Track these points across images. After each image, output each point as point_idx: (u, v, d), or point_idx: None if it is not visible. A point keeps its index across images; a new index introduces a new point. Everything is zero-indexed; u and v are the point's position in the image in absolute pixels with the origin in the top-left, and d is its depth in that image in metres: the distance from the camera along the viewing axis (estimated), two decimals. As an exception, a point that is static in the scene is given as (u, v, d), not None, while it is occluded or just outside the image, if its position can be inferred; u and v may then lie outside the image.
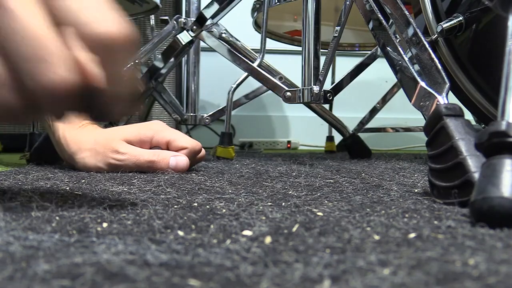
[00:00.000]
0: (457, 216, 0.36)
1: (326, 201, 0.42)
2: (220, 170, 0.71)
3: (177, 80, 1.51)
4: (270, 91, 0.93)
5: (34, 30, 0.29)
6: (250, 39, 1.22)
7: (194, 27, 0.97)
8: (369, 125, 1.33)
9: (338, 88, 0.88)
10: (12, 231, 0.29)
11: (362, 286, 0.20)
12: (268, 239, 0.28)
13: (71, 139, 0.68)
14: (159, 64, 0.98)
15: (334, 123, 1.26)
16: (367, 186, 0.54)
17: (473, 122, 1.08)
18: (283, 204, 0.41)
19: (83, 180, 0.56)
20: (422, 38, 0.56)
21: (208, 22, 0.96)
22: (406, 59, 0.56)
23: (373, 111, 1.33)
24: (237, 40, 1.06)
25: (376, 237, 0.29)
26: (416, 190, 0.50)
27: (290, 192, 0.48)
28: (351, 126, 1.27)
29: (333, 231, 0.30)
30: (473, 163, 0.39)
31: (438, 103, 0.49)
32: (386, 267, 0.23)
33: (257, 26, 1.37)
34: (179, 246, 0.26)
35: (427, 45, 0.56)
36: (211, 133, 1.82)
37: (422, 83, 0.52)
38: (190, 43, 0.98)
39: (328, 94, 0.83)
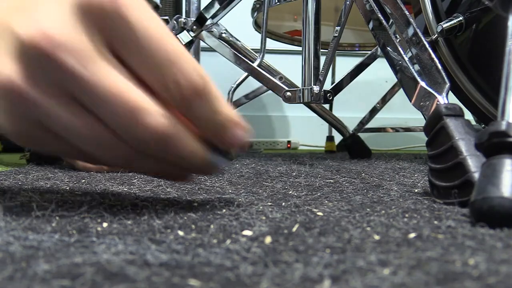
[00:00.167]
0: (457, 216, 0.36)
1: (326, 201, 0.42)
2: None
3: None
4: (270, 91, 0.93)
5: (112, 89, 0.29)
6: (250, 39, 1.22)
7: (194, 27, 0.97)
8: (369, 125, 1.33)
9: (338, 88, 0.88)
10: (12, 231, 0.29)
11: (362, 286, 0.20)
12: (268, 239, 0.28)
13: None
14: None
15: (334, 123, 1.26)
16: (367, 186, 0.54)
17: (473, 122, 1.08)
18: (283, 204, 0.41)
19: (83, 180, 0.56)
20: (422, 38, 0.56)
21: (208, 22, 0.96)
22: (406, 59, 0.56)
23: (373, 111, 1.33)
24: (237, 40, 1.06)
25: (376, 237, 0.29)
26: (416, 190, 0.50)
27: (290, 192, 0.48)
28: (351, 126, 1.27)
29: (333, 231, 0.30)
30: (473, 163, 0.39)
31: (438, 103, 0.49)
32: (386, 267, 0.23)
33: (257, 26, 1.37)
34: (179, 246, 0.26)
35: (427, 45, 0.56)
36: (211, 133, 1.82)
37: (422, 83, 0.52)
38: (190, 43, 0.98)
39: (328, 94, 0.83)
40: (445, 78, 0.52)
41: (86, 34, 0.29)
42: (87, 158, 0.34)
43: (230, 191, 0.48)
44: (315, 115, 1.25)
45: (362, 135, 1.24)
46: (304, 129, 2.02)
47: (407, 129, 1.44)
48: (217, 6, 0.95)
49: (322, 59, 0.84)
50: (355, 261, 0.24)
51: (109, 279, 0.20)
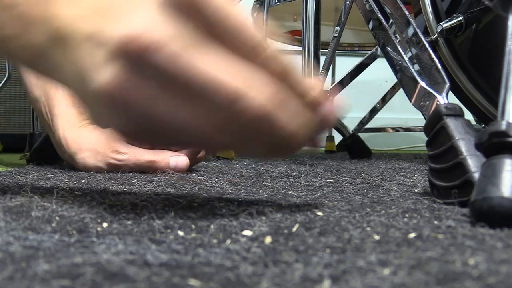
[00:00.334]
0: (457, 216, 0.36)
1: (326, 201, 0.42)
2: (220, 170, 0.72)
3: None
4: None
5: (211, 79, 0.29)
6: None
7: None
8: (369, 125, 1.33)
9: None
10: (12, 231, 0.29)
11: (362, 286, 0.20)
12: (268, 239, 0.28)
13: (71, 139, 0.68)
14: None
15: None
16: (367, 186, 0.54)
17: (473, 122, 1.08)
18: (283, 204, 0.41)
19: (83, 180, 0.56)
20: (422, 38, 0.56)
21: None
22: (406, 59, 0.56)
23: (373, 111, 1.33)
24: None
25: (376, 237, 0.29)
26: (416, 190, 0.50)
27: (290, 192, 0.48)
28: (351, 126, 1.27)
29: (333, 231, 0.30)
30: (473, 163, 0.39)
31: (438, 103, 0.49)
32: (386, 267, 0.23)
33: (257, 26, 1.37)
34: (179, 246, 0.26)
35: (427, 45, 0.56)
36: (211, 133, 1.82)
37: (422, 83, 0.52)
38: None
39: (328, 94, 0.83)
40: (445, 78, 0.52)
41: (176, 28, 0.29)
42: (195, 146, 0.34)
43: (230, 191, 0.48)
44: (315, 115, 1.25)
45: (362, 135, 1.24)
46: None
47: (407, 129, 1.44)
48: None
49: (322, 59, 0.84)
50: (355, 261, 0.24)
51: (109, 279, 0.20)
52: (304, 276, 0.21)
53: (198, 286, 0.20)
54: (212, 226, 0.31)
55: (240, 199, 0.42)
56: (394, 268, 0.23)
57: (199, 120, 0.30)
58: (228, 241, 0.28)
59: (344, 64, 1.33)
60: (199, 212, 0.36)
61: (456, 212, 0.37)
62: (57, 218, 0.33)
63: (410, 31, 0.58)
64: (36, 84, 0.71)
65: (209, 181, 0.56)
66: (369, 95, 1.72)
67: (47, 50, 0.32)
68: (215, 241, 0.28)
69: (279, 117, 0.31)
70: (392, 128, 1.42)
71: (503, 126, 0.34)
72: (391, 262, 0.24)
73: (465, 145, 0.41)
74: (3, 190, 0.44)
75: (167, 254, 0.25)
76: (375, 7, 0.67)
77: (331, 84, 1.31)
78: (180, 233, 0.30)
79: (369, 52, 1.02)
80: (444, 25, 0.78)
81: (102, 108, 0.31)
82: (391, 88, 1.34)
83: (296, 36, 1.42)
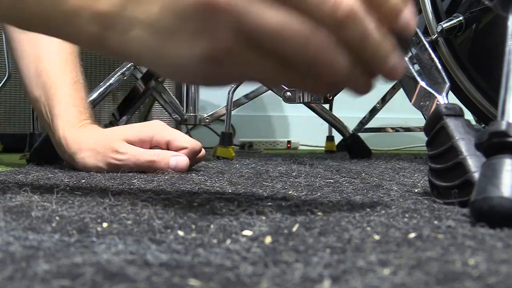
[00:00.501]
0: (457, 216, 0.36)
1: (326, 201, 0.42)
2: (220, 170, 0.71)
3: (177, 80, 1.51)
4: (270, 91, 0.93)
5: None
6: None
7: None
8: (369, 125, 1.33)
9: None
10: (12, 231, 0.29)
11: (362, 286, 0.20)
12: (268, 239, 0.28)
13: (71, 139, 0.68)
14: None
15: (334, 123, 1.25)
16: (367, 186, 0.54)
17: (473, 122, 1.08)
18: (283, 204, 0.41)
19: (83, 180, 0.56)
20: (422, 38, 0.56)
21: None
22: (406, 59, 0.56)
23: (373, 111, 1.32)
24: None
25: (376, 237, 0.29)
26: (416, 190, 0.50)
27: (290, 192, 0.48)
28: (351, 126, 1.27)
29: (333, 231, 0.30)
30: (473, 163, 0.39)
31: (438, 103, 0.49)
32: (386, 267, 0.23)
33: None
34: (179, 246, 0.26)
35: (427, 45, 0.56)
36: (211, 133, 1.82)
37: (422, 83, 0.52)
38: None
39: (328, 94, 0.83)
40: (445, 78, 0.52)
41: None
42: (286, 77, 0.33)
43: (230, 191, 0.48)
44: (315, 115, 1.25)
45: (362, 135, 1.24)
46: (304, 129, 2.02)
47: (407, 129, 1.44)
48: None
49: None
50: (355, 261, 0.24)
51: (109, 279, 0.20)
52: (304, 276, 0.21)
53: (198, 286, 0.20)
54: (212, 226, 0.31)
55: (240, 199, 0.42)
56: (394, 268, 0.23)
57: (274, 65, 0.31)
58: (228, 241, 0.28)
59: (344, 64, 1.33)
60: (199, 212, 0.36)
61: (456, 212, 0.37)
62: (57, 218, 0.33)
63: (410, 31, 0.58)
64: (36, 84, 0.71)
65: (209, 181, 0.56)
66: (369, 95, 1.72)
67: (119, 12, 0.32)
68: (215, 241, 0.28)
69: (337, 57, 0.31)
70: (392, 128, 1.42)
71: (503, 126, 0.34)
72: (391, 262, 0.24)
73: (465, 145, 0.41)
74: (3, 190, 0.44)
75: (167, 254, 0.25)
76: (375, 7, 0.66)
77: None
78: (180, 233, 0.30)
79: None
80: (444, 25, 0.78)
81: (197, 24, 0.30)
82: (391, 88, 1.33)
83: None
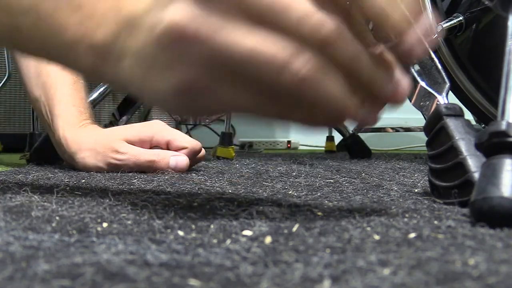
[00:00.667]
0: (457, 216, 0.36)
1: (326, 201, 0.42)
2: (220, 170, 0.72)
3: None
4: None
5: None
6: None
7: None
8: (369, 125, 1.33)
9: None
10: (12, 231, 0.29)
11: (362, 286, 0.20)
12: (268, 239, 0.28)
13: (71, 139, 0.68)
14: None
15: (334, 123, 1.25)
16: (367, 186, 0.54)
17: (473, 122, 1.08)
18: (283, 204, 0.41)
19: (83, 180, 0.56)
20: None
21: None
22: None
23: (373, 111, 1.32)
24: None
25: (376, 237, 0.29)
26: (416, 190, 0.50)
27: (290, 192, 0.48)
28: (351, 126, 1.27)
29: (333, 231, 0.30)
30: (473, 163, 0.39)
31: (438, 103, 0.49)
32: (386, 267, 0.23)
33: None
34: (179, 246, 0.26)
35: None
36: (211, 133, 1.82)
37: (422, 83, 0.52)
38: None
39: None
40: (445, 78, 0.52)
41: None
42: (252, 105, 0.31)
43: (230, 191, 0.48)
44: (315, 115, 1.25)
45: (362, 135, 1.24)
46: (304, 129, 2.02)
47: (407, 129, 1.44)
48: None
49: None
50: (355, 261, 0.24)
51: (109, 279, 0.20)
52: (304, 276, 0.21)
53: (198, 286, 0.20)
54: (212, 226, 0.31)
55: (240, 199, 0.42)
56: (394, 268, 0.23)
57: (246, 92, 0.29)
58: (228, 241, 0.28)
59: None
60: (199, 212, 0.36)
61: (456, 212, 0.37)
62: (57, 218, 0.33)
63: (410, 31, 0.58)
64: (36, 84, 0.71)
65: (209, 181, 0.56)
66: (369, 95, 1.72)
67: (113, 42, 0.32)
68: (215, 241, 0.28)
69: (327, 83, 0.29)
70: (392, 128, 1.42)
71: (503, 126, 0.34)
72: (391, 262, 0.24)
73: (465, 145, 0.41)
74: (3, 190, 0.44)
75: (167, 254, 0.25)
76: (375, 7, 0.66)
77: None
78: (180, 233, 0.30)
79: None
80: (444, 25, 0.78)
81: (169, 53, 0.29)
82: (391, 88, 1.33)
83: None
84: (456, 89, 0.82)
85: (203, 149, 0.74)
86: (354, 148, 1.19)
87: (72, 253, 0.25)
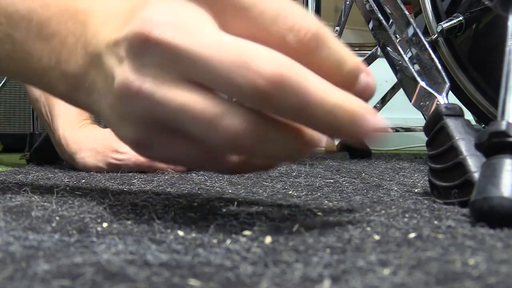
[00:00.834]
0: (457, 216, 0.36)
1: (326, 201, 0.42)
2: (220, 170, 0.71)
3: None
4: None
5: (217, 54, 0.27)
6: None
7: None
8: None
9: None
10: (12, 231, 0.29)
11: (362, 286, 0.20)
12: (268, 239, 0.28)
13: (71, 139, 0.68)
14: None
15: (334, 123, 1.25)
16: (367, 186, 0.54)
17: (473, 122, 1.08)
18: (283, 204, 0.41)
19: (83, 180, 0.56)
20: (422, 38, 0.56)
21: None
22: (406, 59, 0.56)
23: (373, 111, 1.32)
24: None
25: (376, 237, 0.29)
26: (416, 190, 0.50)
27: (290, 192, 0.48)
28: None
29: (333, 231, 0.30)
30: (473, 163, 0.39)
31: (438, 103, 0.49)
32: (386, 267, 0.23)
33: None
34: (179, 246, 0.26)
35: (427, 45, 0.56)
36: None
37: (422, 83, 0.52)
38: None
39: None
40: (445, 78, 0.52)
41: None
42: (205, 160, 0.31)
43: (230, 191, 0.48)
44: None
45: (362, 135, 1.24)
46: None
47: (407, 129, 1.44)
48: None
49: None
50: (355, 261, 0.24)
51: (109, 279, 0.20)
52: (304, 276, 0.21)
53: (198, 286, 0.20)
54: (212, 226, 0.31)
55: (240, 199, 0.42)
56: (394, 268, 0.23)
57: (213, 108, 0.28)
58: (228, 241, 0.28)
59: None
60: (199, 212, 0.36)
61: (456, 212, 0.37)
62: (57, 218, 0.33)
63: (410, 31, 0.58)
64: (36, 84, 0.71)
65: (209, 181, 0.56)
66: (369, 95, 1.72)
67: (83, 75, 0.33)
68: (215, 241, 0.28)
69: (263, 139, 0.28)
70: (392, 128, 1.42)
71: (503, 126, 0.34)
72: (391, 262, 0.24)
73: (465, 145, 0.41)
74: (3, 190, 0.44)
75: (167, 254, 0.25)
76: (375, 7, 0.67)
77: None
78: (180, 233, 0.30)
79: (369, 52, 1.02)
80: (444, 25, 0.78)
81: (123, 107, 0.30)
82: (391, 88, 1.33)
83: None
84: (456, 89, 0.82)
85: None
86: (354, 148, 1.19)
87: (72, 253, 0.25)
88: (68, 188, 0.48)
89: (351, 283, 0.21)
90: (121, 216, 0.34)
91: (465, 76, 0.81)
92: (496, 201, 0.31)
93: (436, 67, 0.53)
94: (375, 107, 1.32)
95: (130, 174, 0.63)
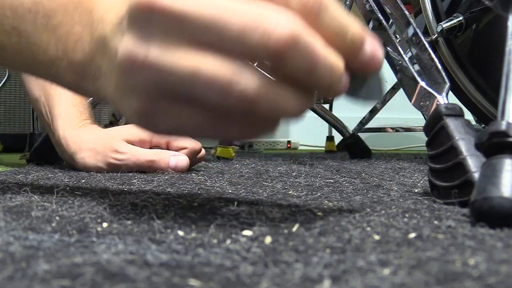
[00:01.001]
0: (457, 216, 0.36)
1: (326, 201, 0.42)
2: (220, 170, 0.72)
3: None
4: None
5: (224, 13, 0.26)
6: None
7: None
8: (369, 125, 1.33)
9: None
10: (12, 231, 0.29)
11: (362, 286, 0.20)
12: (268, 239, 0.28)
13: (71, 139, 0.68)
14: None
15: (334, 123, 1.25)
16: (367, 186, 0.54)
17: (473, 122, 1.08)
18: (283, 204, 0.41)
19: (83, 180, 0.56)
20: (422, 38, 0.56)
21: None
22: (406, 59, 0.56)
23: (373, 111, 1.33)
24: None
25: (376, 237, 0.29)
26: (416, 190, 0.50)
27: (290, 192, 0.48)
28: (351, 126, 1.27)
29: (333, 231, 0.30)
30: (473, 163, 0.39)
31: (438, 103, 0.49)
32: (386, 267, 0.23)
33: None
34: (179, 246, 0.26)
35: (427, 45, 0.56)
36: (211, 133, 1.82)
37: (422, 83, 0.52)
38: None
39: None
40: (445, 78, 0.52)
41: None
42: (213, 127, 0.30)
43: (230, 191, 0.48)
44: (315, 115, 1.25)
45: (362, 135, 1.24)
46: (304, 129, 2.02)
47: (407, 129, 1.44)
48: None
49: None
50: (355, 261, 0.24)
51: (109, 279, 0.20)
52: (304, 276, 0.21)
53: (198, 286, 0.20)
54: (212, 226, 0.31)
55: (240, 199, 0.42)
56: (394, 268, 0.23)
57: (221, 69, 0.27)
58: (228, 241, 0.28)
59: (344, 64, 1.33)
60: (199, 212, 0.36)
61: (456, 212, 0.37)
62: (57, 218, 0.33)
63: (410, 31, 0.58)
64: (36, 84, 0.72)
65: (209, 181, 0.56)
66: (369, 95, 1.72)
67: (89, 62, 0.33)
68: (215, 241, 0.28)
69: (278, 99, 0.28)
70: (392, 128, 1.42)
71: (503, 126, 0.34)
72: (391, 262, 0.24)
73: (465, 145, 0.41)
74: (3, 190, 0.44)
75: (167, 254, 0.25)
76: (375, 7, 0.67)
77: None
78: (180, 233, 0.30)
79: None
80: (444, 25, 0.78)
81: (129, 80, 0.29)
82: (391, 88, 1.34)
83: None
84: (456, 89, 0.82)
85: (203, 149, 0.74)
86: (354, 148, 1.19)
87: (72, 253, 0.25)
88: (68, 188, 0.48)
89: (351, 283, 0.21)
90: (121, 216, 0.34)
91: (465, 76, 0.81)
92: (496, 201, 0.31)
93: (436, 67, 0.53)
94: (375, 107, 1.33)
95: (130, 174, 0.63)
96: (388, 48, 0.61)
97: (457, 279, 0.21)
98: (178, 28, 0.27)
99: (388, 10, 0.65)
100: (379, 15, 0.65)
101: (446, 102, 0.49)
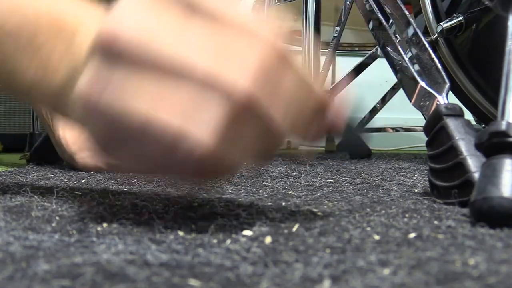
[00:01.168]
0: (457, 216, 0.36)
1: (326, 201, 0.42)
2: (220, 170, 0.71)
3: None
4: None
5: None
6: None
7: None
8: (369, 125, 1.33)
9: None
10: (12, 231, 0.29)
11: (362, 286, 0.20)
12: (268, 239, 0.28)
13: (71, 139, 0.68)
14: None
15: (334, 123, 1.25)
16: (367, 186, 0.54)
17: (473, 122, 1.08)
18: (283, 204, 0.41)
19: (83, 180, 0.56)
20: (422, 38, 0.56)
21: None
22: (406, 59, 0.56)
23: (373, 111, 1.32)
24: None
25: (376, 237, 0.29)
26: (416, 190, 0.50)
27: (290, 192, 0.48)
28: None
29: (333, 231, 0.30)
30: (473, 163, 0.39)
31: (438, 103, 0.49)
32: (386, 267, 0.23)
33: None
34: (179, 246, 0.26)
35: (427, 45, 0.56)
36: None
37: (422, 83, 0.52)
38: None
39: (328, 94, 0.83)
40: (445, 78, 0.52)
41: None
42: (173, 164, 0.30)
43: (230, 191, 0.48)
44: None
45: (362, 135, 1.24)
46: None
47: (407, 129, 1.44)
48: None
49: (322, 59, 0.84)
50: (355, 261, 0.24)
51: (109, 279, 0.20)
52: (304, 276, 0.21)
53: (198, 286, 0.20)
54: (212, 226, 0.31)
55: (240, 199, 0.42)
56: (394, 268, 0.23)
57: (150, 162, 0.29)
58: (228, 241, 0.28)
59: (344, 64, 1.33)
60: (199, 212, 0.36)
61: (456, 212, 0.37)
62: (57, 218, 0.33)
63: (410, 31, 0.58)
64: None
65: (209, 181, 0.56)
66: (369, 95, 1.72)
67: (66, 87, 0.32)
68: (215, 241, 0.28)
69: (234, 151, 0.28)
70: (392, 128, 1.42)
71: (503, 126, 0.34)
72: (391, 262, 0.24)
73: (465, 145, 0.41)
74: (3, 190, 0.44)
75: (167, 254, 0.25)
76: (375, 7, 0.66)
77: (331, 84, 1.30)
78: (180, 233, 0.30)
79: (369, 52, 1.02)
80: (444, 25, 0.78)
81: (86, 115, 0.29)
82: (391, 88, 1.33)
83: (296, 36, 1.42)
84: (456, 89, 0.82)
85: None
86: (354, 148, 1.19)
87: (72, 253, 0.25)
88: (68, 188, 0.48)
89: (351, 283, 0.21)
90: (121, 216, 0.34)
91: (465, 76, 0.81)
92: (496, 201, 0.31)
93: (436, 67, 0.53)
94: (375, 107, 1.33)
95: (130, 174, 0.63)
96: (388, 48, 0.61)
97: (457, 279, 0.21)
98: (140, 64, 0.27)
99: (388, 10, 0.65)
100: (379, 15, 0.65)
101: (446, 102, 0.49)
